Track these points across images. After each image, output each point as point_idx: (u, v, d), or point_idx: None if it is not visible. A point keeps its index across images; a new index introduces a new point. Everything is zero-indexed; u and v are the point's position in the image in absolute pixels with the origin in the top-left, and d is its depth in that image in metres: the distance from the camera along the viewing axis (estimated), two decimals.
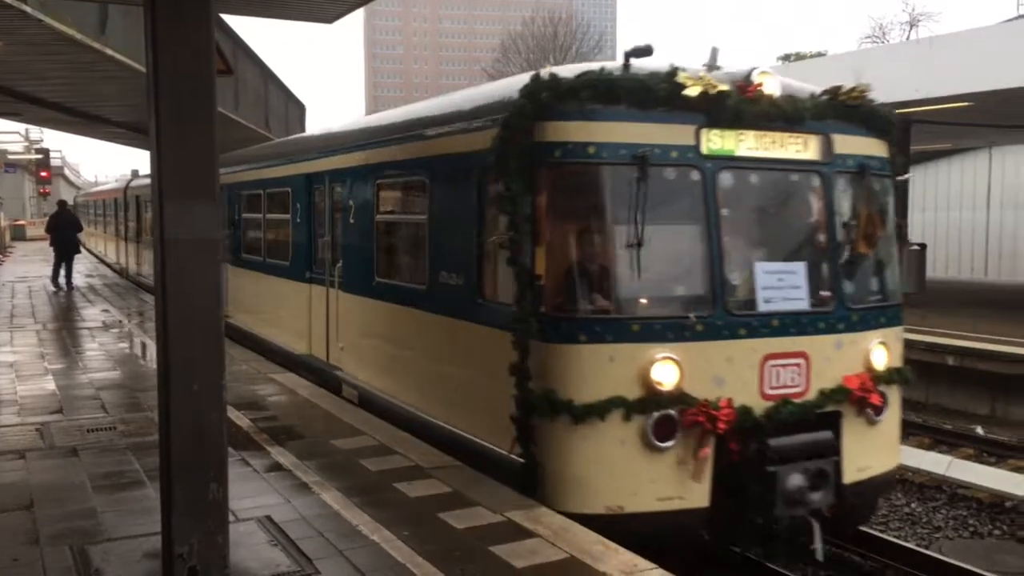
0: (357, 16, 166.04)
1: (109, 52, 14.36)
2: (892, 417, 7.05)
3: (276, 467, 7.00)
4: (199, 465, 4.47)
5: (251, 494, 6.27)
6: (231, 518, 5.05)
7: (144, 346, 13.37)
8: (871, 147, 7.14)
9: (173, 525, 4.44)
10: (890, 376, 7.00)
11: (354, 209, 9.72)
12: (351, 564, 5.07)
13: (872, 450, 6.88)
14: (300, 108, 38.66)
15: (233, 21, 22.37)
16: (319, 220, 11.01)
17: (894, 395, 7.06)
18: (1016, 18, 27.70)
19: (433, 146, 7.84)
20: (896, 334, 7.20)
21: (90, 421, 8.52)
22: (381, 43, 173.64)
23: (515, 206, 6.23)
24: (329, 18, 7.67)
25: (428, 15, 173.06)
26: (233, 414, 8.58)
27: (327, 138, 11.47)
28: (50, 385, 10.28)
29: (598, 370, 6.09)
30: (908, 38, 41.89)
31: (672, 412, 6.10)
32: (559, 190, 6.37)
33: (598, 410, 6.02)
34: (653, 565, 5.04)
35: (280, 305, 12.47)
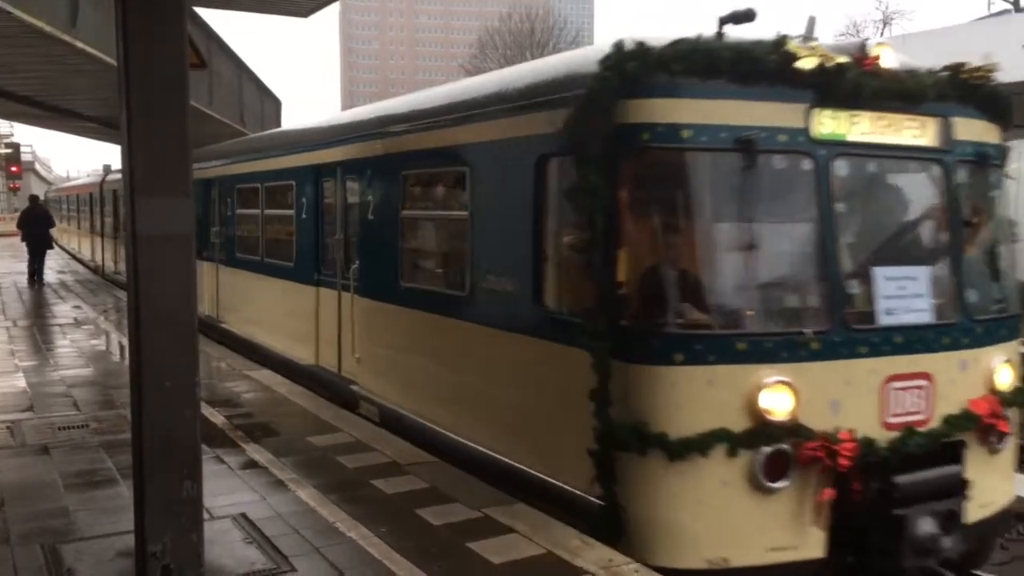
0: (333, 11, 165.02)
1: (80, 45, 14.16)
2: (1011, 444, 6.12)
3: (251, 464, 6.94)
4: (172, 463, 4.42)
5: (226, 491, 6.21)
6: (206, 516, 5.00)
7: (117, 343, 13.22)
8: (988, 133, 6.17)
9: (146, 523, 4.39)
10: (1015, 398, 6.06)
11: (374, 204, 8.65)
12: (327, 561, 5.04)
13: (993, 483, 5.96)
14: (276, 103, 38.38)
15: (207, 15, 22.19)
16: (329, 216, 10.03)
17: (1015, 419, 6.15)
18: (985, 17, 28.13)
19: (478, 131, 6.87)
20: (1015, 348, 6.21)
21: (62, 419, 8.41)
22: (357, 38, 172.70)
23: (591, 200, 5.31)
24: (304, 12, 7.64)
25: (404, 10, 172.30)
26: (207, 411, 8.51)
27: (340, 126, 10.21)
28: (21, 383, 10.13)
29: (697, 397, 5.15)
30: (881, 35, 42.33)
31: (786, 446, 5.15)
32: (647, 181, 5.49)
33: (697, 445, 5.07)
34: (629, 559, 5.06)
35: (282, 310, 11.40)
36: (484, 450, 6.65)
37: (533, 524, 5.63)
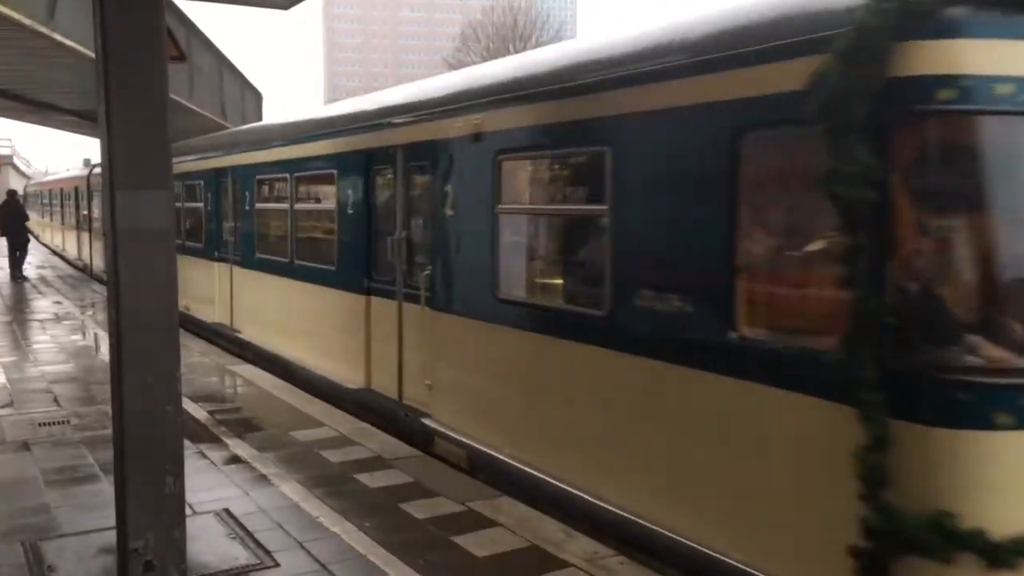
0: (315, 3, 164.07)
1: (58, 38, 14.00)
2: None
3: (234, 459, 6.91)
4: (154, 458, 4.39)
5: (209, 487, 6.19)
6: (188, 511, 4.97)
7: (97, 338, 13.11)
8: None
9: (128, 519, 4.36)
10: None
11: (454, 196, 7.05)
12: (311, 556, 5.02)
13: None
14: (257, 96, 38.11)
15: (187, 7, 21.97)
16: (385, 211, 8.47)
17: None
18: None
19: (624, 100, 5.24)
20: None
21: (42, 415, 8.34)
22: (339, 31, 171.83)
23: (852, 187, 3.74)
24: (284, 4, 7.55)
25: (387, 3, 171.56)
26: (190, 406, 8.46)
27: (398, 105, 8.24)
28: (0, 378, 10.03)
29: None
30: None
31: None
32: (946, 158, 3.93)
33: None
34: (614, 552, 5.07)
35: (318, 321, 9.75)
36: (671, 535, 4.91)
37: (517, 517, 5.63)
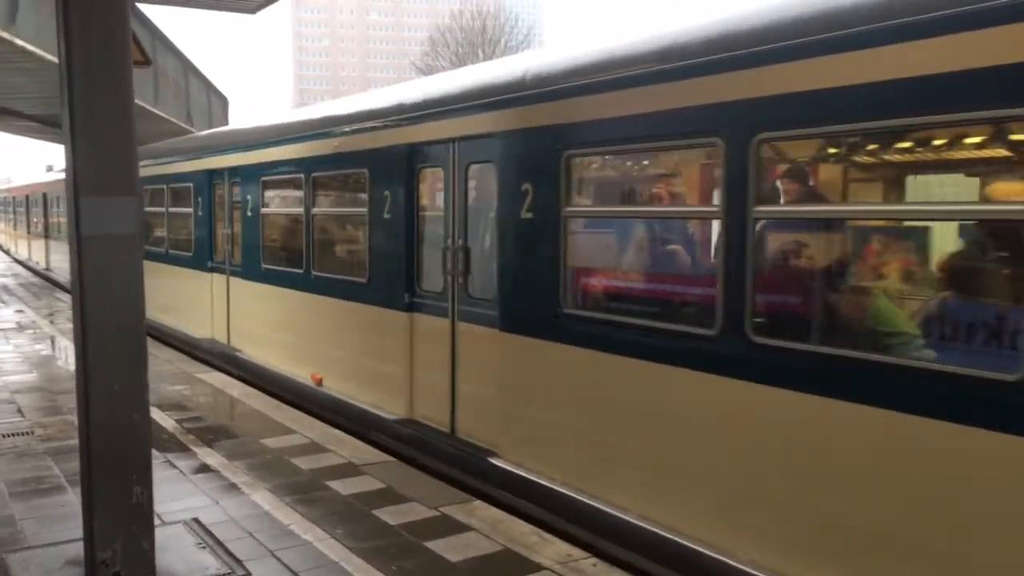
0: (282, 8, 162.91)
1: (20, 43, 13.76)
2: None
3: (204, 468, 6.84)
4: (122, 468, 4.33)
5: (178, 496, 6.11)
6: (157, 521, 4.91)
7: (62, 347, 12.90)
8: None
9: (95, 530, 4.29)
10: None
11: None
12: (283, 564, 4.98)
13: None
14: (223, 101, 37.78)
15: (151, 11, 21.77)
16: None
17: None
18: None
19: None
20: None
21: (6, 426, 8.19)
22: (307, 35, 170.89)
23: None
24: (251, 8, 7.51)
25: (355, 7, 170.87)
26: (157, 415, 8.36)
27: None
28: None
29: None
30: None
31: None
32: None
33: None
34: (587, 554, 5.09)
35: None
36: None
37: (490, 521, 5.63)
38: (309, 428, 8.06)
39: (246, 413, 8.78)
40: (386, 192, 7.81)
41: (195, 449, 7.37)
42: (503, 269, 6.36)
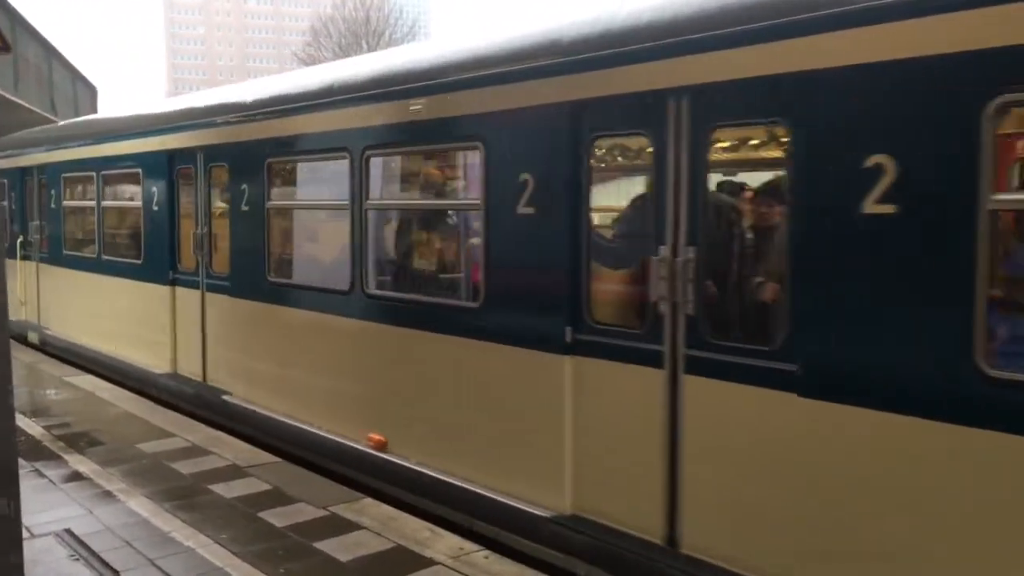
0: None
1: None
2: None
3: (75, 476, 6.51)
4: None
5: (47, 507, 5.80)
6: (25, 534, 4.65)
7: None
8: None
9: None
10: None
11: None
12: (163, 573, 4.80)
13: None
14: (91, 90, 35.97)
15: None
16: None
17: None
18: None
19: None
20: None
21: None
22: (180, 22, 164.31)
23: None
24: None
25: None
26: (23, 422, 7.91)
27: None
28: None
29: None
30: None
31: None
32: None
33: None
34: (479, 547, 5.12)
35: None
36: None
37: (382, 519, 5.58)
38: (190, 431, 7.78)
39: (120, 417, 8.40)
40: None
41: (65, 456, 7.01)
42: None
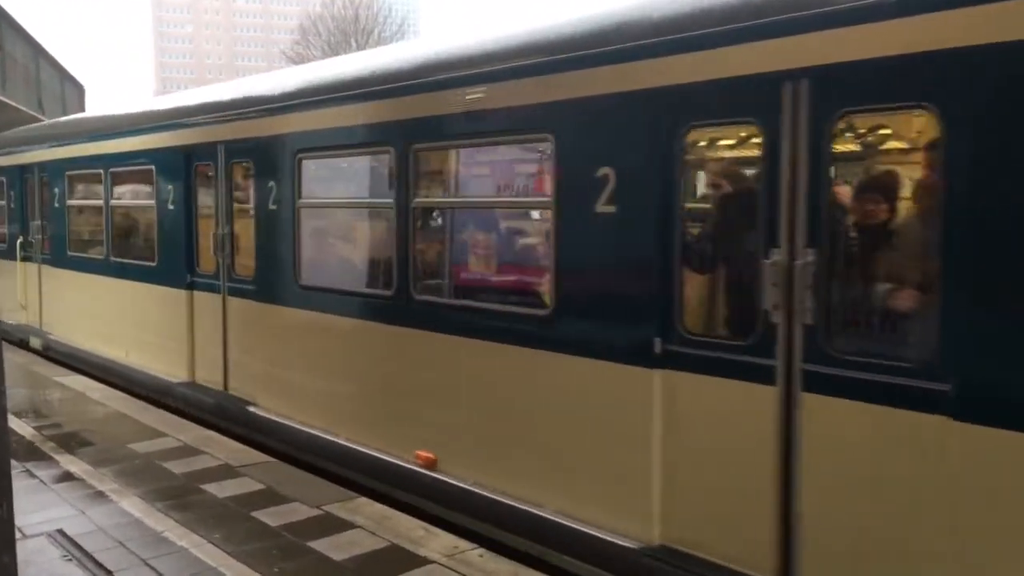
0: None
1: None
2: None
3: (67, 476, 6.48)
4: None
5: (39, 507, 5.77)
6: (17, 535, 4.61)
7: None
8: None
9: None
10: None
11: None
12: (157, 573, 4.78)
13: None
14: (79, 88, 35.80)
15: None
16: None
17: None
18: None
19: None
20: None
21: None
22: (169, 20, 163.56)
23: None
24: None
25: None
26: (13, 423, 7.85)
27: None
28: None
29: None
30: None
31: None
32: None
33: None
34: (474, 545, 5.12)
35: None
36: None
37: (376, 518, 5.58)
38: (180, 431, 7.75)
39: (110, 417, 8.36)
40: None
41: (56, 457, 6.97)
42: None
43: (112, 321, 10.36)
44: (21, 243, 12.85)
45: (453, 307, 5.90)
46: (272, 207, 7.42)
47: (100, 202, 10.53)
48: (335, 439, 6.69)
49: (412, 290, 6.03)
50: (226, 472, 6.53)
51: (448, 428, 5.81)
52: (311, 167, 7.22)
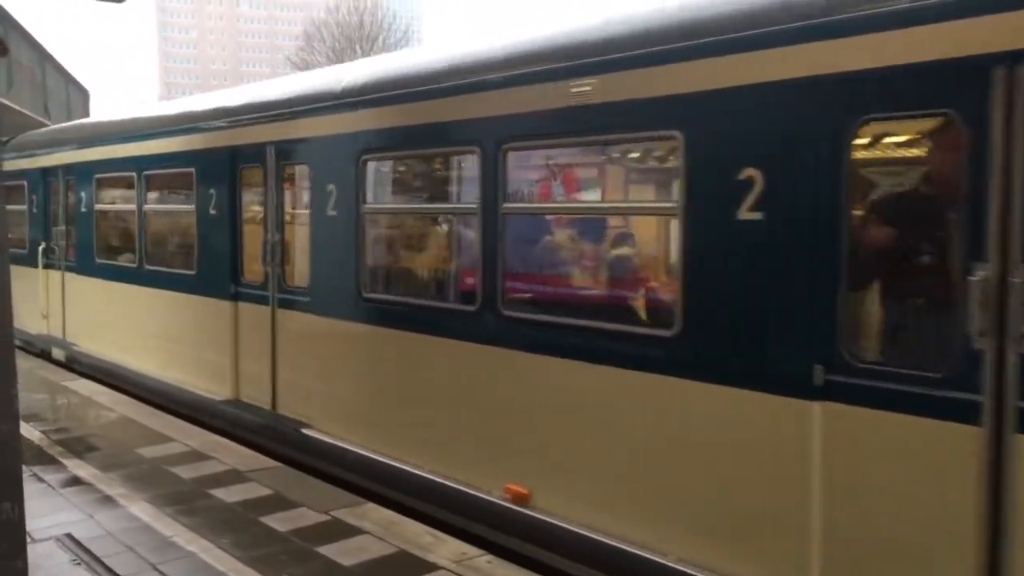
0: None
1: None
2: None
3: (75, 481, 6.49)
4: None
5: (48, 512, 5.79)
6: (27, 539, 4.63)
7: None
8: None
9: None
10: None
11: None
12: None
13: None
14: (84, 93, 35.92)
15: None
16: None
17: None
18: None
19: None
20: None
21: None
22: (173, 26, 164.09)
23: None
24: None
25: None
26: (23, 427, 7.86)
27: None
28: None
29: None
30: None
31: None
32: None
33: None
34: (482, 551, 5.12)
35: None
36: None
37: (384, 523, 5.58)
38: (188, 436, 7.77)
39: (118, 421, 8.38)
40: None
41: (64, 461, 6.99)
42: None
43: (145, 333, 9.72)
44: (43, 249, 12.30)
45: (548, 324, 5.22)
46: (332, 213, 6.78)
47: (132, 207, 9.91)
48: (404, 467, 6.08)
49: (500, 304, 5.41)
50: (234, 477, 6.54)
51: (543, 460, 5.20)
52: (378, 169, 6.74)
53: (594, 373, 4.86)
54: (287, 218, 7.68)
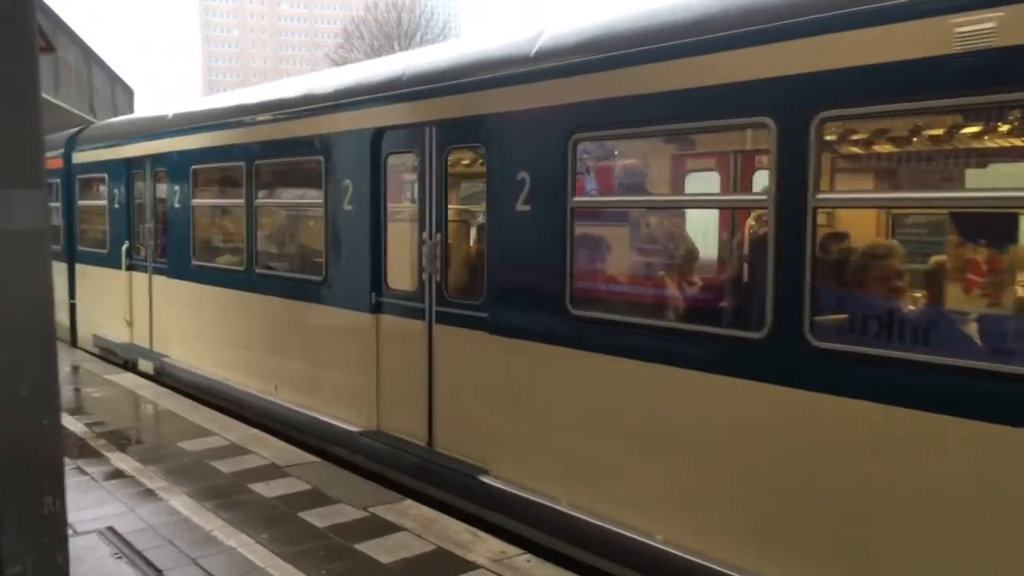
0: None
1: None
2: None
3: (117, 474, 6.55)
4: (31, 477, 4.07)
5: (90, 504, 5.83)
6: (69, 532, 4.65)
7: None
8: None
9: (3, 544, 4.02)
10: None
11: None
12: (205, 572, 4.79)
13: None
14: (128, 92, 36.49)
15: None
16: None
17: None
18: None
19: None
20: None
21: None
22: (215, 25, 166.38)
23: None
24: None
25: None
26: (65, 420, 7.98)
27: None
28: None
29: None
30: None
31: None
32: None
33: None
34: (521, 551, 5.05)
35: None
36: None
37: (423, 520, 5.54)
38: (228, 430, 7.80)
39: (160, 415, 8.46)
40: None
41: (107, 454, 7.06)
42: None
43: (255, 347, 8.48)
44: (127, 249, 11.11)
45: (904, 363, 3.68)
46: (522, 207, 5.41)
47: (239, 201, 8.62)
48: (648, 540, 4.62)
49: (807, 331, 3.95)
50: (273, 472, 6.55)
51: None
52: (596, 152, 5.30)
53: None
54: (452, 215, 6.50)
